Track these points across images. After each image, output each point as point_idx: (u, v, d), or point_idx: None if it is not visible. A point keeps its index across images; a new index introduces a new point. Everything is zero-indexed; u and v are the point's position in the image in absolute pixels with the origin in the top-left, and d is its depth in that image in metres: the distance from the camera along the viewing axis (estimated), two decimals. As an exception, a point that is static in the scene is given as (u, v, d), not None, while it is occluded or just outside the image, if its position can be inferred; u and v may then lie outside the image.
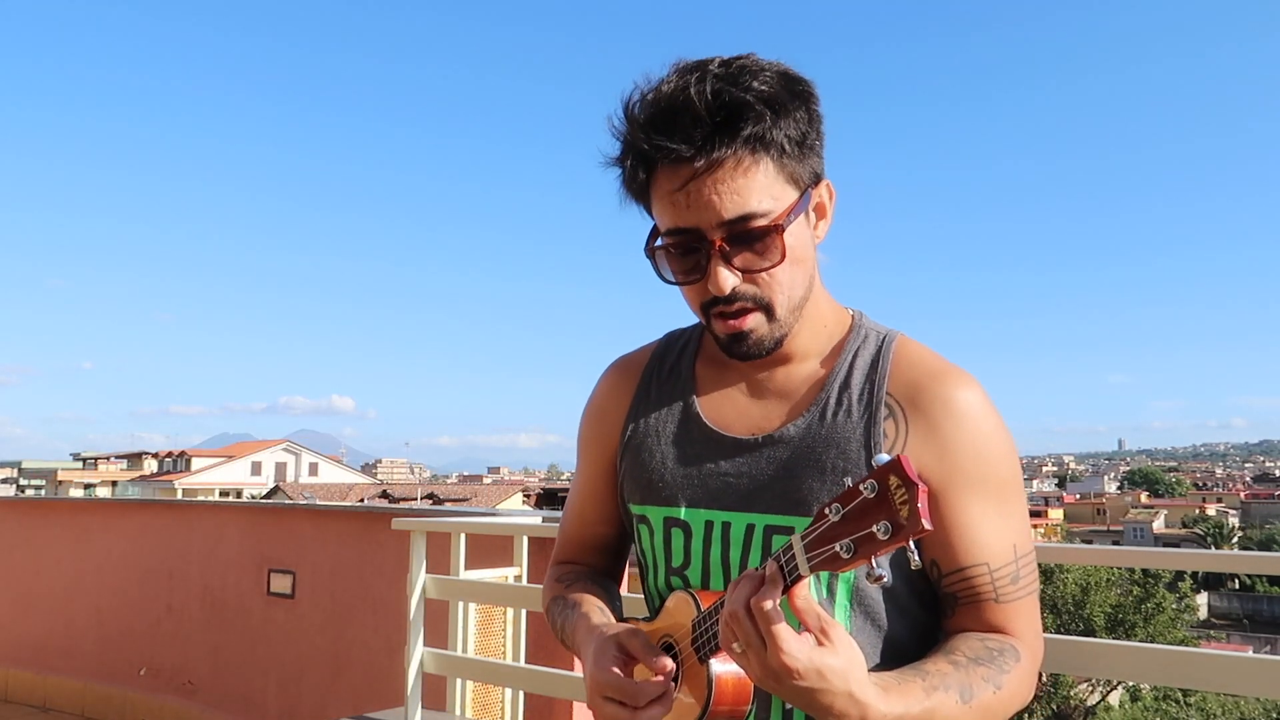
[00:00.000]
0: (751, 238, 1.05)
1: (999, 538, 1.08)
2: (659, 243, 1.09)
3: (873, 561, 0.82)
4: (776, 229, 1.04)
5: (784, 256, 1.06)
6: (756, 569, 0.92)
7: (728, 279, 1.05)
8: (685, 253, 1.07)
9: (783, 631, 0.87)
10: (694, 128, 1.01)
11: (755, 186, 1.03)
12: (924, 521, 0.78)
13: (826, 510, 0.85)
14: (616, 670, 1.05)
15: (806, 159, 1.07)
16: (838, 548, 0.83)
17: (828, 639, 0.88)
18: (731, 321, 1.09)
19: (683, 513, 1.17)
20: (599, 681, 1.05)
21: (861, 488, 0.82)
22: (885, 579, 0.82)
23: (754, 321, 1.09)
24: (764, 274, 1.07)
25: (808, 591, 0.89)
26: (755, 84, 1.02)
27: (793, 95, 1.05)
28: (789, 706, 1.09)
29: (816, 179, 1.10)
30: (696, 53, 1.08)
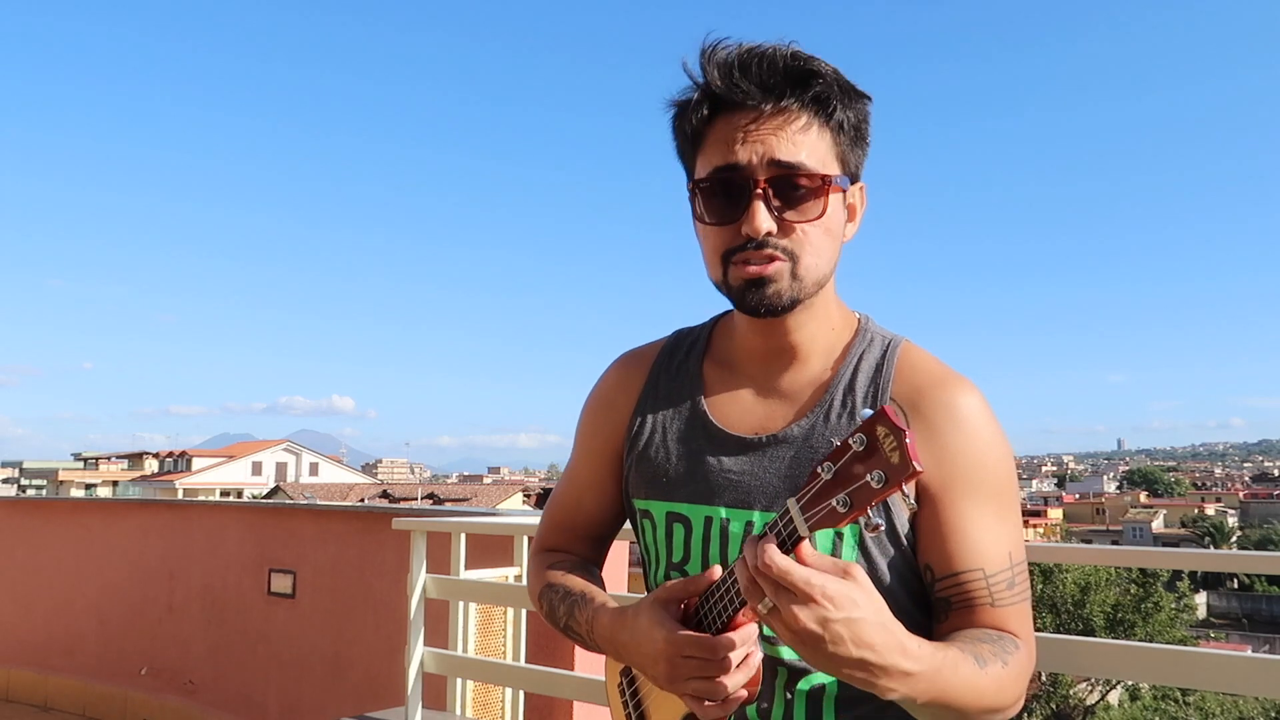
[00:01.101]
0: (796, 188, 1.08)
1: (995, 544, 1.08)
2: (701, 179, 1.11)
3: (869, 511, 0.82)
4: (824, 181, 1.08)
5: (824, 213, 1.09)
6: (755, 535, 0.91)
7: (765, 219, 1.07)
8: (727, 193, 1.09)
9: (805, 570, 0.85)
10: (769, 76, 1.07)
11: (810, 144, 1.08)
12: (915, 463, 0.78)
13: (819, 470, 0.85)
14: (688, 632, 0.98)
15: (856, 150, 1.12)
16: (834, 503, 0.83)
17: (850, 575, 0.86)
18: (754, 267, 1.08)
19: (684, 508, 1.18)
20: (676, 641, 0.98)
21: (851, 442, 0.83)
22: (882, 526, 0.85)
23: (776, 270, 1.09)
24: (799, 227, 1.08)
25: (813, 548, 0.88)
26: (823, 67, 1.08)
27: (854, 91, 1.11)
28: (790, 695, 1.10)
29: (856, 176, 1.14)
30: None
